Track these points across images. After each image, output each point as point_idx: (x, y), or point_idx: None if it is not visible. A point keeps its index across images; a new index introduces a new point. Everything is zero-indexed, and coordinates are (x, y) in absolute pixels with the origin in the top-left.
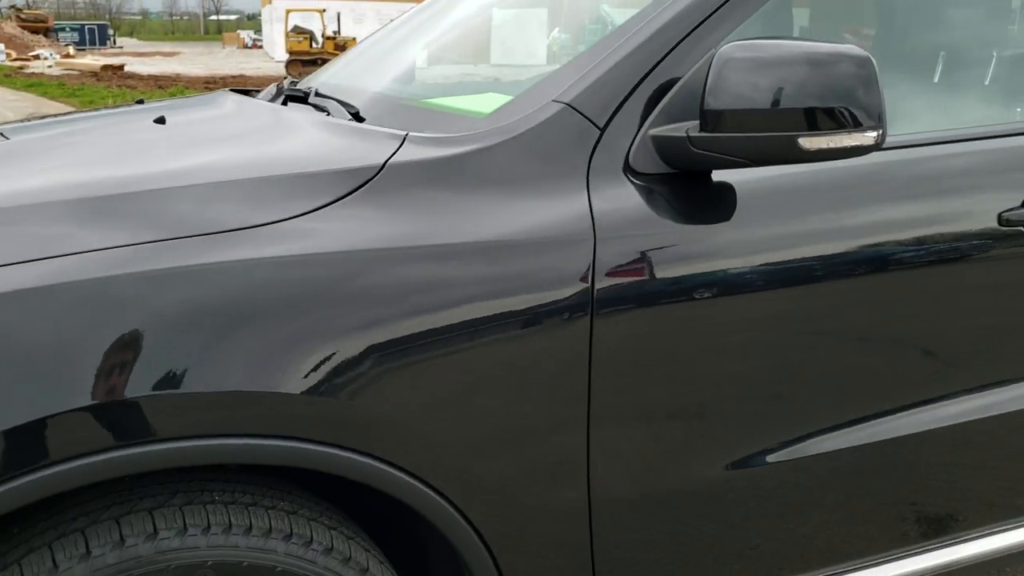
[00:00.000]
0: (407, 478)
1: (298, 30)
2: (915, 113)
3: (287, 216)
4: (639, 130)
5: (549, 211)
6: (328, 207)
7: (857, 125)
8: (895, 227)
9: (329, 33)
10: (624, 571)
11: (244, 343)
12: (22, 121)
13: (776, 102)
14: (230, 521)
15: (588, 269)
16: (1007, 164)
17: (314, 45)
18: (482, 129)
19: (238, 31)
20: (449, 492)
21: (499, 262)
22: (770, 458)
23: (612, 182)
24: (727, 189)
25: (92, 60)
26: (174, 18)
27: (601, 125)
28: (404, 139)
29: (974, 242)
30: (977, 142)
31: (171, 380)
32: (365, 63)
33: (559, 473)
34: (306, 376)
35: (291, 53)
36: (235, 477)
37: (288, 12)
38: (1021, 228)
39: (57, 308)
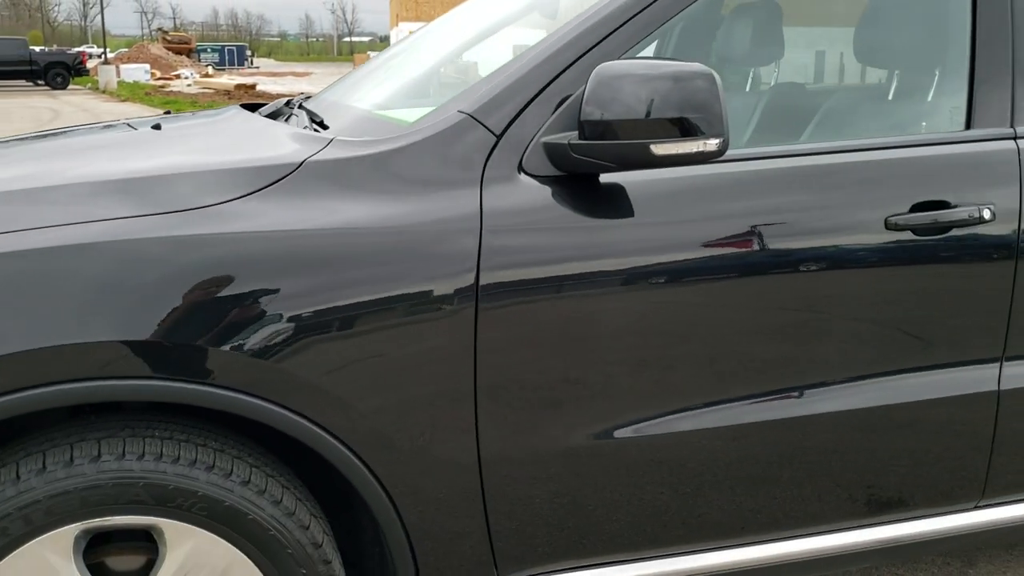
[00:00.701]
0: (308, 424)
1: None
2: (817, 125)
3: (226, 199)
4: (533, 138)
5: (443, 204)
6: (254, 194)
7: (702, 134)
8: (775, 227)
9: None
10: (511, 522)
11: (171, 303)
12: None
13: (634, 113)
14: (162, 452)
15: (475, 256)
16: (896, 173)
17: None
18: (397, 134)
19: (368, 52)
20: (352, 443)
21: (394, 248)
22: (624, 432)
23: (505, 182)
24: (614, 189)
25: (227, 80)
26: (310, 40)
27: (498, 133)
28: (329, 143)
29: (860, 243)
30: (872, 152)
31: (117, 329)
32: (359, 83)
33: (453, 435)
34: (221, 333)
35: None
36: (185, 421)
37: (411, 33)
38: (906, 232)
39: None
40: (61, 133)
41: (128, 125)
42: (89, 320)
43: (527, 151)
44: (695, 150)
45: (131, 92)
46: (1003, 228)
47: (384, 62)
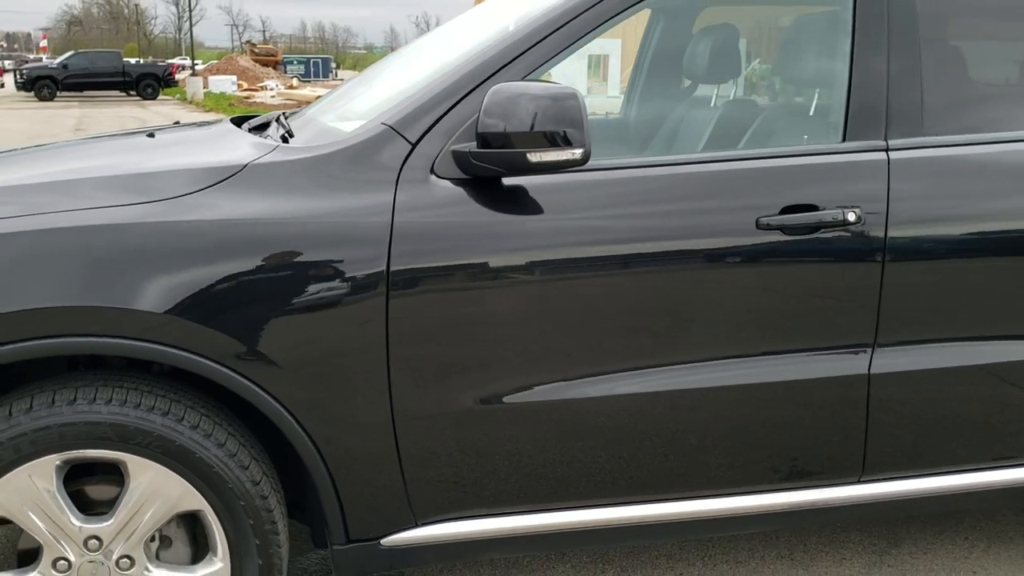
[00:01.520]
0: (243, 380)
1: None
2: (710, 136)
3: (185, 193)
4: (443, 147)
5: (362, 199)
6: (206, 189)
7: (568, 144)
8: (656, 224)
9: None
10: (424, 473)
11: (129, 277)
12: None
13: (519, 127)
14: (126, 399)
15: (387, 242)
16: (767, 180)
17: None
18: (331, 141)
19: None
20: (284, 400)
21: (318, 233)
22: (513, 399)
23: (417, 184)
24: (514, 190)
25: (310, 91)
26: (394, 51)
27: (413, 142)
28: (273, 148)
29: (734, 240)
30: (746, 161)
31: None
32: (335, 100)
33: (370, 396)
34: (169, 302)
35: None
36: (151, 378)
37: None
38: (776, 232)
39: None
40: (78, 141)
41: (142, 133)
42: (59, 287)
43: (438, 157)
44: (563, 158)
45: (216, 103)
46: (871, 229)
47: (359, 82)
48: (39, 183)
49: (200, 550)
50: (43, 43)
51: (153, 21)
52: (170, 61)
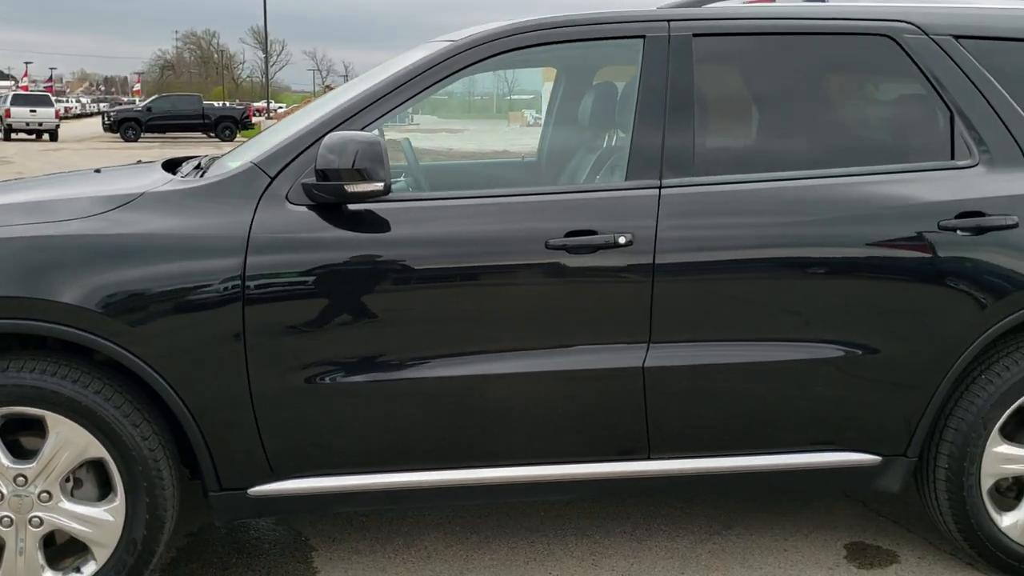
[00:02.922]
0: (136, 359)
1: None
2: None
3: (102, 211)
4: (296, 180)
5: (226, 219)
6: (112, 211)
7: (372, 179)
8: (460, 241)
9: None
10: (277, 439)
11: (56, 272)
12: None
13: (343, 165)
14: (45, 370)
15: (244, 253)
16: (556, 209)
17: None
18: (215, 175)
19: (523, 110)
20: (166, 376)
21: (190, 245)
22: (337, 380)
23: (273, 209)
24: (357, 213)
25: None
26: (473, 98)
27: (272, 175)
28: (168, 180)
29: (525, 257)
30: (537, 196)
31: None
32: (248, 145)
33: (231, 377)
34: (76, 293)
35: None
36: (71, 356)
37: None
38: (561, 251)
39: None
40: (46, 176)
41: (92, 170)
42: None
43: (291, 188)
44: (369, 189)
45: None
46: (642, 248)
47: (269, 132)
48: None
49: (104, 492)
50: (137, 87)
51: (241, 66)
52: (254, 104)
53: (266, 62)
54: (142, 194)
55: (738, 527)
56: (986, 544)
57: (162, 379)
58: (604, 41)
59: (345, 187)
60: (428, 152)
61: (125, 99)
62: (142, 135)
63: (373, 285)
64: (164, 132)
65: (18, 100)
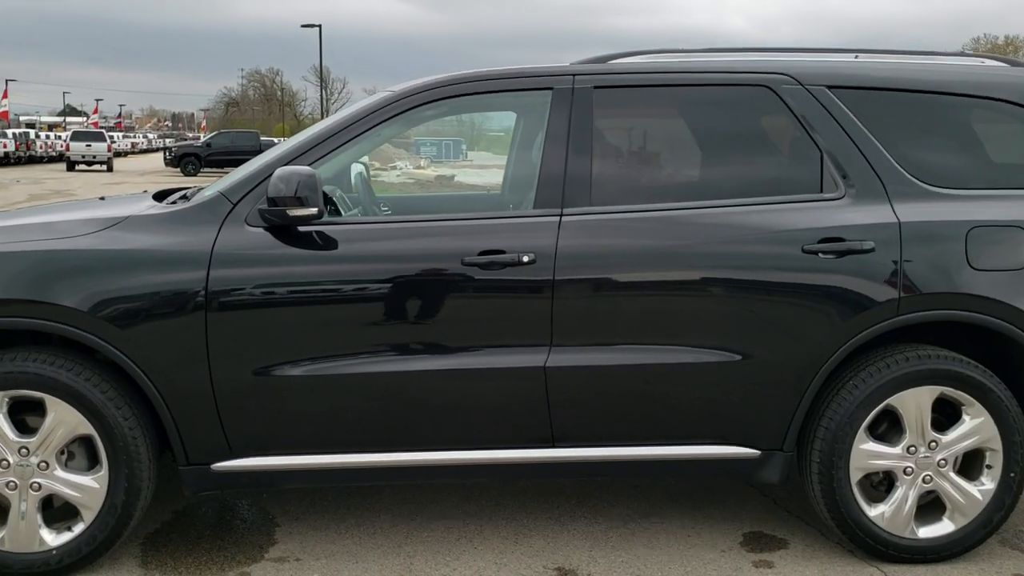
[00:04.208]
0: (116, 351)
1: None
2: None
3: (94, 231)
4: (254, 206)
5: (193, 238)
6: (104, 230)
7: (307, 204)
8: (393, 257)
9: None
10: (235, 422)
11: (57, 279)
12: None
13: (287, 193)
14: (45, 360)
15: (207, 266)
16: (471, 232)
17: None
18: (191, 202)
19: (420, 149)
20: (144, 368)
21: (162, 260)
22: (282, 373)
23: (234, 230)
24: (305, 233)
25: (432, 171)
26: None
27: (234, 202)
28: (150, 206)
29: (446, 273)
30: (457, 221)
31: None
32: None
33: (196, 370)
34: (71, 296)
35: None
36: (68, 350)
37: None
38: (474, 267)
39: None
40: (58, 203)
41: (98, 198)
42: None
43: (249, 213)
44: (305, 214)
45: None
46: (543, 265)
47: (243, 165)
48: (5, 226)
49: (92, 463)
50: (203, 123)
51: (303, 103)
52: None
53: (322, 99)
54: (127, 217)
55: (655, 516)
56: (856, 531)
57: (141, 371)
58: (520, 92)
59: (288, 211)
60: (467, 186)
61: (190, 135)
62: (202, 170)
63: (315, 293)
64: (223, 167)
65: (77, 136)
